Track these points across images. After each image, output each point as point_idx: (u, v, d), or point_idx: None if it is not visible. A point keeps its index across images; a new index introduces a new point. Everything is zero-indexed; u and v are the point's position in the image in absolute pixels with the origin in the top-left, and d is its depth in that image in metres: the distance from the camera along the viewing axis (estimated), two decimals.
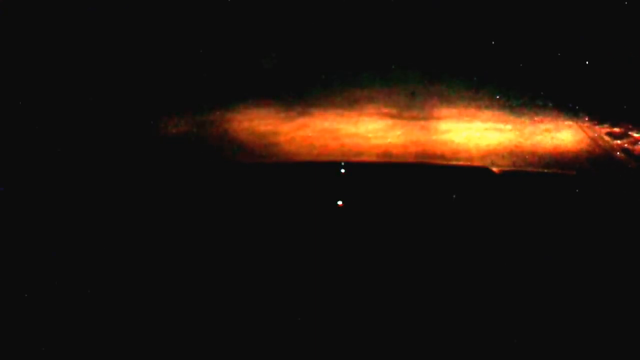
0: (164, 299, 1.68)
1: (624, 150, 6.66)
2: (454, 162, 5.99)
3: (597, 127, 7.43)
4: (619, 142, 6.93)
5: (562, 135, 7.11)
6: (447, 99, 8.72)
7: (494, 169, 2.85)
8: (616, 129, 7.35)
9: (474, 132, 7.19)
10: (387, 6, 14.46)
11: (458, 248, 1.92)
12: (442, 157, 6.40)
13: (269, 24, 13.55)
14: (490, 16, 13.57)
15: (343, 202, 2.29)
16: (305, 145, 6.72)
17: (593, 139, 6.98)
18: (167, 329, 1.56)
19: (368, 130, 7.25)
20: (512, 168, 5.49)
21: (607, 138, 7.06)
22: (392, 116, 7.89)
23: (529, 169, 5.70)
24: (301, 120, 7.70)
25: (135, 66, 10.68)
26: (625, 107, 8.09)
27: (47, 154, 6.53)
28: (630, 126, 7.41)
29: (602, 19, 11.60)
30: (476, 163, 6.26)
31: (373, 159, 6.33)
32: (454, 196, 2.39)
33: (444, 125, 7.48)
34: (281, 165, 3.56)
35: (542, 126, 7.46)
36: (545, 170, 5.57)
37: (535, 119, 7.80)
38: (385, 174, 2.75)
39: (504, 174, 2.80)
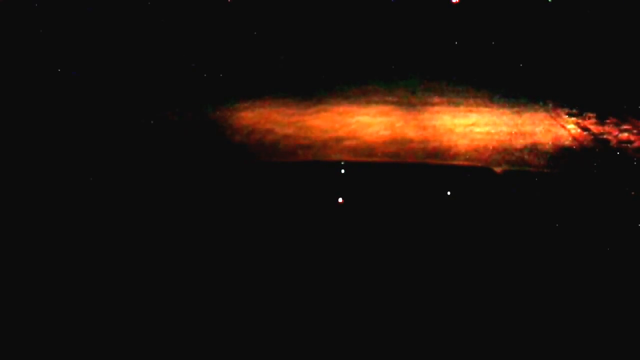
0: (170, 295, 1.67)
1: (576, 124, 8.50)
2: (456, 162, 6.64)
3: (559, 110, 9.27)
4: (574, 118, 8.77)
5: (529, 114, 8.95)
6: (440, 92, 10.54)
7: (496, 169, 3.06)
8: (574, 110, 9.19)
9: (460, 113, 9.03)
10: (388, 12, 16.33)
11: (460, 247, 1.91)
12: (434, 127, 8.23)
13: (279, 32, 15.41)
14: (485, 21, 15.49)
15: (345, 201, 2.32)
16: (327, 121, 8.55)
17: (554, 117, 8.82)
18: (170, 324, 1.57)
19: (376, 112, 9.08)
20: (513, 168, 5.85)
21: (565, 116, 8.90)
22: (394, 103, 9.72)
23: (530, 169, 6.16)
24: (319, 107, 9.47)
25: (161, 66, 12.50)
26: (585, 95, 9.96)
27: (52, 153, 7.11)
28: (586, 108, 9.26)
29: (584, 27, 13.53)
30: (459, 130, 8.10)
31: (381, 129, 8.14)
32: (456, 195, 2.44)
33: (436, 108, 9.32)
34: (283, 165, 3.63)
35: (515, 109, 9.28)
36: (546, 170, 6.05)
37: (512, 105, 9.61)
38: (388, 173, 2.78)
39: (505, 174, 2.84)
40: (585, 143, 7.73)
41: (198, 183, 2.51)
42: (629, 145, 7.71)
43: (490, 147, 7.38)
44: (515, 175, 2.96)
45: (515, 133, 8.01)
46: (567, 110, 9.26)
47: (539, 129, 8.19)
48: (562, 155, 7.20)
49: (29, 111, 9.04)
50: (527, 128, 8.24)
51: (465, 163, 6.53)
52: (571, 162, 7.06)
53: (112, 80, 11.27)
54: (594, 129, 8.34)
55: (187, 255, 1.90)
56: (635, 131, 8.21)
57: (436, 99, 9.98)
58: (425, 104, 9.68)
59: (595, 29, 13.14)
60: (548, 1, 15.55)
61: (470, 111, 9.16)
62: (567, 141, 7.75)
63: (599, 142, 7.81)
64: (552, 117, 8.87)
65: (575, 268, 1.85)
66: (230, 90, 10.59)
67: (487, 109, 9.29)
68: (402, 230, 2.05)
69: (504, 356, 1.51)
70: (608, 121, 8.67)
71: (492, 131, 8.09)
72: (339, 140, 7.71)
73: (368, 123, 8.48)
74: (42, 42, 12.63)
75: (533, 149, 7.36)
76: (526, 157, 7.07)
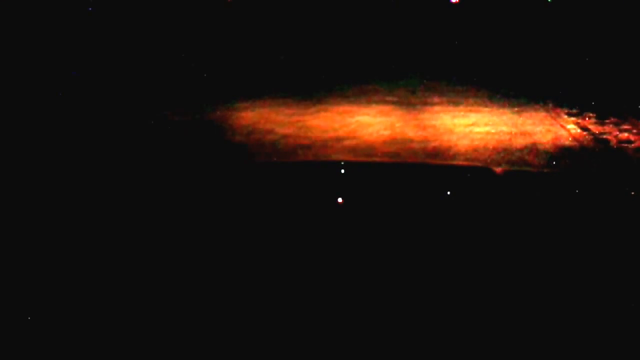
0: (170, 296, 1.69)
1: (576, 124, 8.51)
2: (455, 162, 6.61)
3: (558, 110, 9.28)
4: (574, 118, 8.78)
5: (529, 114, 8.95)
6: (440, 92, 10.54)
7: (496, 169, 3.07)
8: (574, 110, 9.19)
9: (460, 113, 9.04)
10: (387, 12, 16.33)
11: (459, 247, 1.92)
12: (434, 127, 8.23)
13: (279, 32, 15.42)
14: (485, 20, 15.48)
15: (344, 202, 2.32)
16: (327, 121, 8.56)
17: (554, 117, 8.82)
18: (170, 324, 1.58)
19: (376, 112, 9.09)
20: (513, 168, 5.86)
21: (565, 116, 8.91)
22: (393, 103, 9.72)
23: (530, 169, 6.15)
24: (319, 107, 9.47)
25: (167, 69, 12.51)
26: (585, 95, 9.96)
27: (52, 152, 7.13)
28: (586, 108, 9.26)
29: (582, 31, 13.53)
30: (459, 130, 8.10)
31: (381, 128, 8.14)
32: (456, 196, 2.43)
33: (436, 108, 9.33)
34: (282, 165, 3.62)
35: (515, 109, 9.28)
36: (546, 170, 6.03)
37: (511, 105, 9.61)
38: (387, 173, 2.78)
39: (505, 174, 2.84)
40: (585, 143, 7.73)
41: (198, 183, 2.50)
42: (629, 145, 7.71)
43: (490, 147, 7.38)
44: (515, 175, 2.95)
45: (515, 133, 8.01)
46: (567, 110, 9.25)
47: (539, 129, 8.19)
48: (562, 155, 7.20)
49: (28, 111, 9.05)
50: (527, 128, 8.24)
51: (465, 163, 6.53)
52: (571, 162, 7.06)
53: (112, 80, 11.26)
54: (594, 129, 8.33)
55: (186, 256, 1.89)
56: (635, 131, 8.20)
57: (436, 99, 9.99)
58: (425, 103, 9.69)
59: (595, 29, 13.14)
60: (548, 1, 15.55)
61: (470, 111, 9.17)
62: (567, 141, 7.75)
63: (599, 142, 7.81)
64: (552, 117, 8.87)
65: (575, 268, 1.85)
66: (230, 90, 10.59)
67: (487, 109, 9.29)
68: (402, 231, 2.04)
69: (504, 356, 1.51)
70: (608, 121, 8.66)
71: (492, 131, 8.09)
72: (339, 140, 7.71)
73: (368, 123, 8.48)
74: (42, 41, 12.64)
75: (533, 149, 7.37)
76: (526, 157, 7.07)
